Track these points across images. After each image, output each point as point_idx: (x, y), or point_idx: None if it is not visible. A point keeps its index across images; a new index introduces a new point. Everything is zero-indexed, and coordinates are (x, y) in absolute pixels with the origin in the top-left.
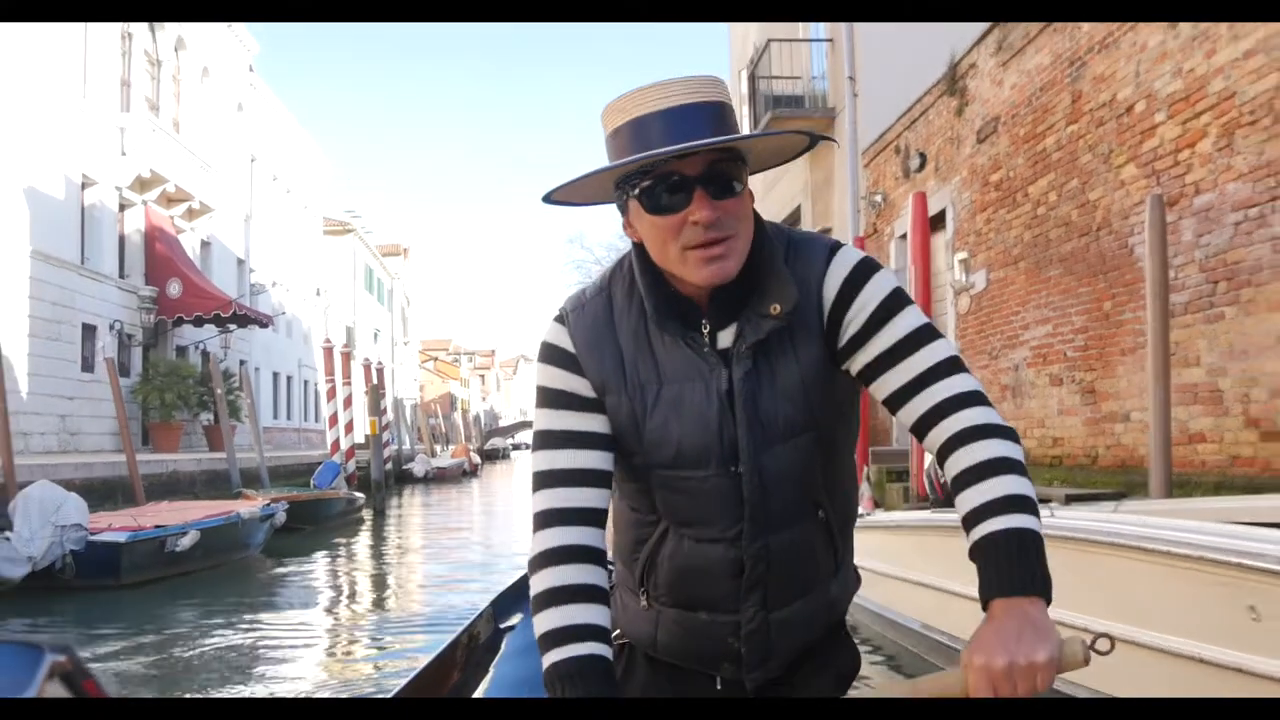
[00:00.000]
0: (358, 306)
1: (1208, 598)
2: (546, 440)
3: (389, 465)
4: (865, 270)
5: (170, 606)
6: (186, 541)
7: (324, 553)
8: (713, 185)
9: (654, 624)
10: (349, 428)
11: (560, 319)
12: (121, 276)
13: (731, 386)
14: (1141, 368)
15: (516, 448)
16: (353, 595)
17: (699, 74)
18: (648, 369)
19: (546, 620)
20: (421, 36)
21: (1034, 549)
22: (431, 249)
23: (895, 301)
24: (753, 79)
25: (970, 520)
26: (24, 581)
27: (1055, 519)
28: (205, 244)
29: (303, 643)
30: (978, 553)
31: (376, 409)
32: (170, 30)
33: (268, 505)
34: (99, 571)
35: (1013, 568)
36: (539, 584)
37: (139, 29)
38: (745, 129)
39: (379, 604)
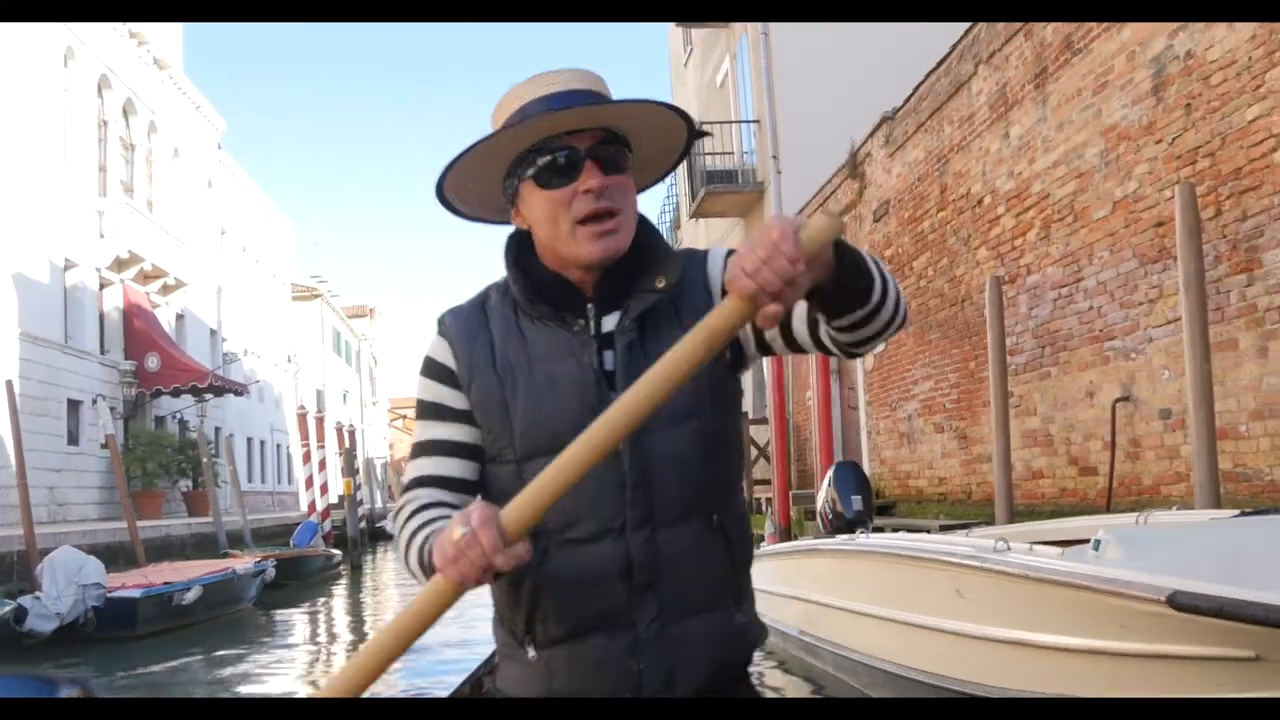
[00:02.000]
0: (327, 369)
1: (938, 584)
2: (417, 449)
3: (363, 524)
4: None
5: (180, 654)
6: (191, 596)
7: (308, 605)
8: (602, 159)
9: (546, 676)
10: (324, 489)
11: (440, 330)
12: (102, 352)
13: (609, 363)
14: (1027, 415)
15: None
16: (338, 643)
17: (583, 67)
18: (516, 351)
19: (410, 528)
20: (379, 96)
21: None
22: (398, 306)
23: None
24: (689, 155)
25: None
26: (53, 635)
27: (869, 539)
28: (180, 317)
29: (296, 686)
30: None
31: (351, 470)
32: (143, 115)
33: (259, 562)
34: (117, 624)
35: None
36: (399, 546)
37: (114, 117)
38: (684, 200)
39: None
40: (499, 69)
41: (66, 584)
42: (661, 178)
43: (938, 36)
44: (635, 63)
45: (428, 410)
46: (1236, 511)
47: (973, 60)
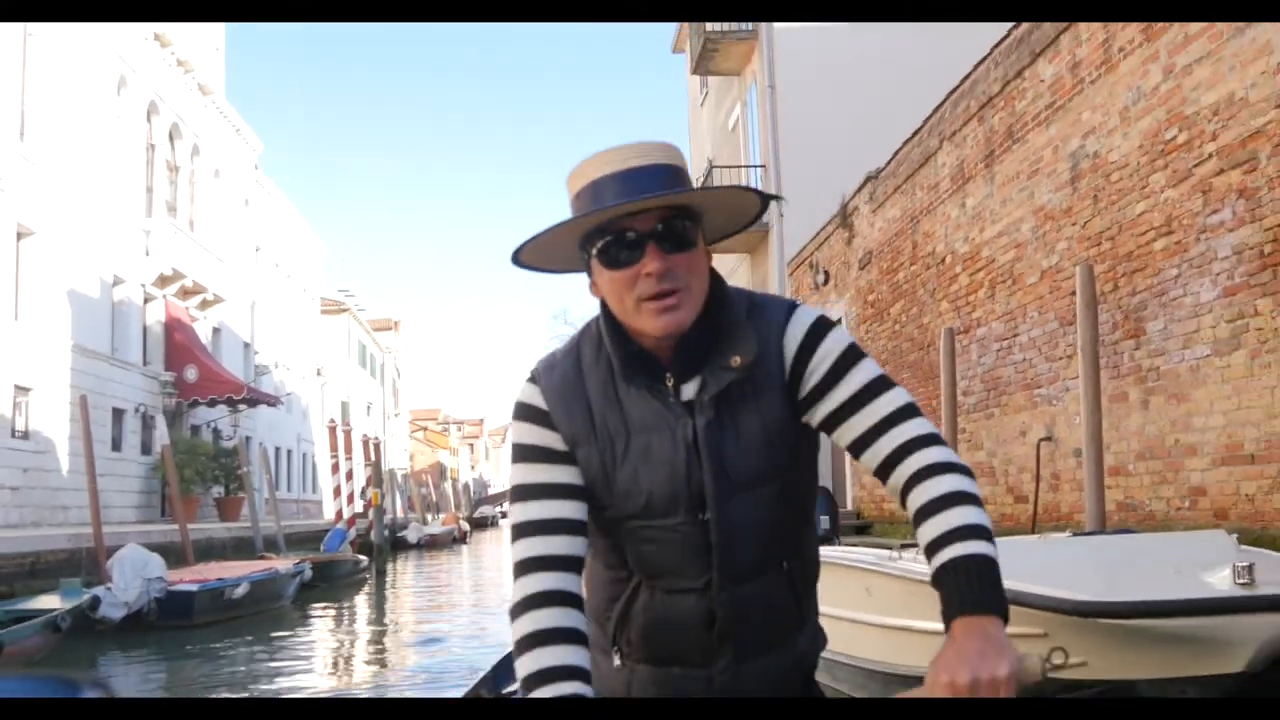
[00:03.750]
0: (352, 381)
1: (854, 584)
2: (523, 493)
3: (386, 532)
4: (823, 326)
5: (230, 642)
6: (240, 591)
7: (339, 605)
8: (665, 240)
9: (627, 684)
10: (350, 499)
11: (533, 379)
12: (144, 364)
13: (696, 435)
14: (974, 449)
15: (504, 515)
16: (365, 638)
17: (655, 140)
18: (616, 421)
19: (529, 662)
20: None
21: (991, 573)
22: (422, 319)
23: (853, 353)
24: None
25: (932, 548)
26: (121, 622)
27: (835, 550)
28: (216, 331)
29: (329, 671)
30: (940, 577)
31: (379, 481)
32: (187, 139)
33: (298, 564)
34: (177, 614)
35: (972, 590)
36: (520, 629)
37: (161, 140)
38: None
39: (389, 648)
40: (519, 80)
41: (134, 577)
42: (732, 235)
43: (924, 101)
44: (656, 98)
45: (530, 453)
46: (1090, 531)
47: (938, 136)
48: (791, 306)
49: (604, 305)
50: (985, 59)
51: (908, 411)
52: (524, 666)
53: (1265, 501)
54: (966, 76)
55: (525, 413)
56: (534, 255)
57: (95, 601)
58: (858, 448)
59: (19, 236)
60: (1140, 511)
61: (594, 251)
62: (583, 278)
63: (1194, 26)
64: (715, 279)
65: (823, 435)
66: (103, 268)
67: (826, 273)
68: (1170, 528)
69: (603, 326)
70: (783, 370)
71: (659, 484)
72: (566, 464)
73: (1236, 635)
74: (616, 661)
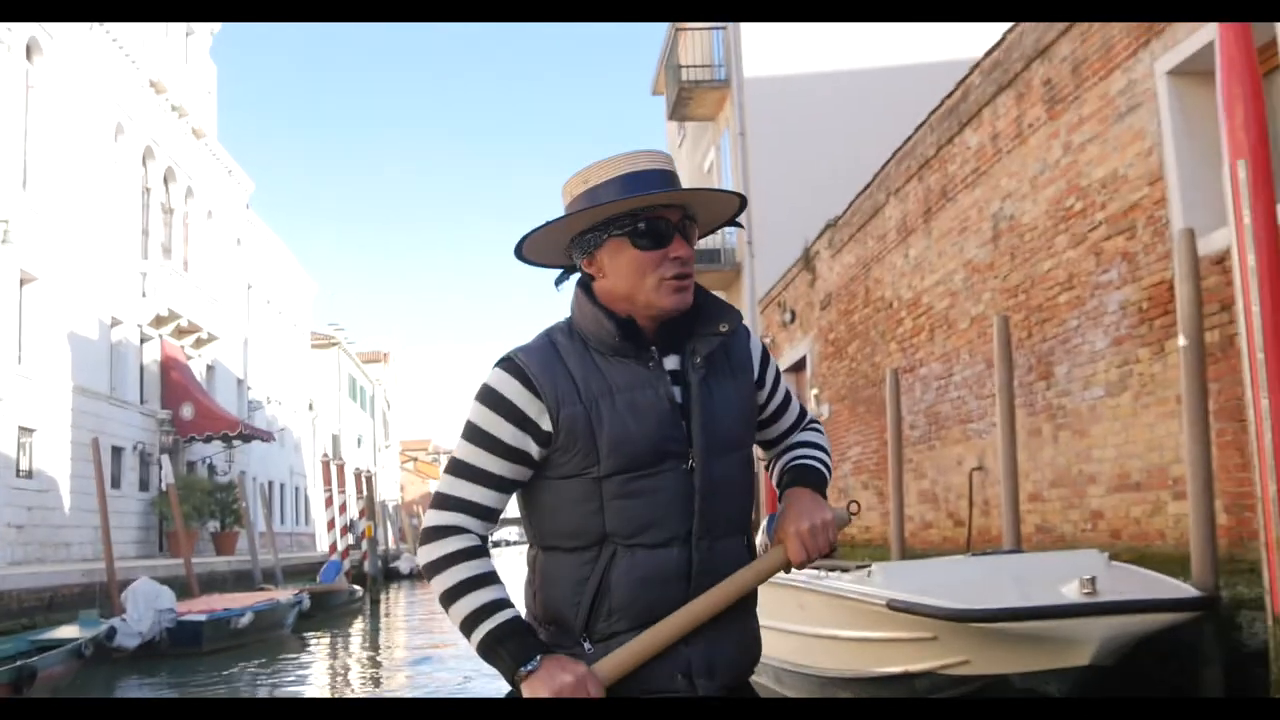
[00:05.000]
0: (343, 414)
1: (789, 601)
2: (457, 468)
3: (379, 563)
4: (760, 343)
5: (236, 668)
6: (244, 621)
7: (335, 633)
8: (685, 232)
9: None
10: (344, 531)
11: (507, 363)
12: (142, 403)
13: (688, 393)
14: (919, 477)
15: (496, 544)
16: (362, 665)
17: (663, 149)
18: (599, 383)
19: (466, 605)
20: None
21: (817, 466)
22: (411, 350)
23: (778, 372)
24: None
25: (785, 464)
26: (135, 650)
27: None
28: (210, 368)
29: (329, 693)
30: (786, 473)
31: (372, 514)
32: (181, 182)
33: (297, 594)
34: (186, 643)
35: (805, 475)
36: (445, 581)
37: (156, 184)
38: None
39: (384, 671)
40: (503, 122)
41: (146, 609)
42: (705, 235)
43: (886, 151)
44: (636, 140)
45: (480, 438)
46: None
47: (885, 191)
48: (738, 312)
49: (584, 286)
50: (923, 124)
51: (805, 417)
52: (462, 609)
53: (1148, 523)
54: (908, 139)
55: (490, 398)
56: (533, 247)
57: (112, 631)
58: (771, 442)
59: (22, 283)
60: (1053, 533)
61: (617, 233)
62: (563, 306)
63: (1087, 109)
64: None
65: None
66: (101, 310)
67: (793, 311)
68: (1076, 547)
69: (586, 302)
70: (749, 359)
71: (648, 434)
72: (511, 460)
73: (1080, 635)
74: (588, 647)
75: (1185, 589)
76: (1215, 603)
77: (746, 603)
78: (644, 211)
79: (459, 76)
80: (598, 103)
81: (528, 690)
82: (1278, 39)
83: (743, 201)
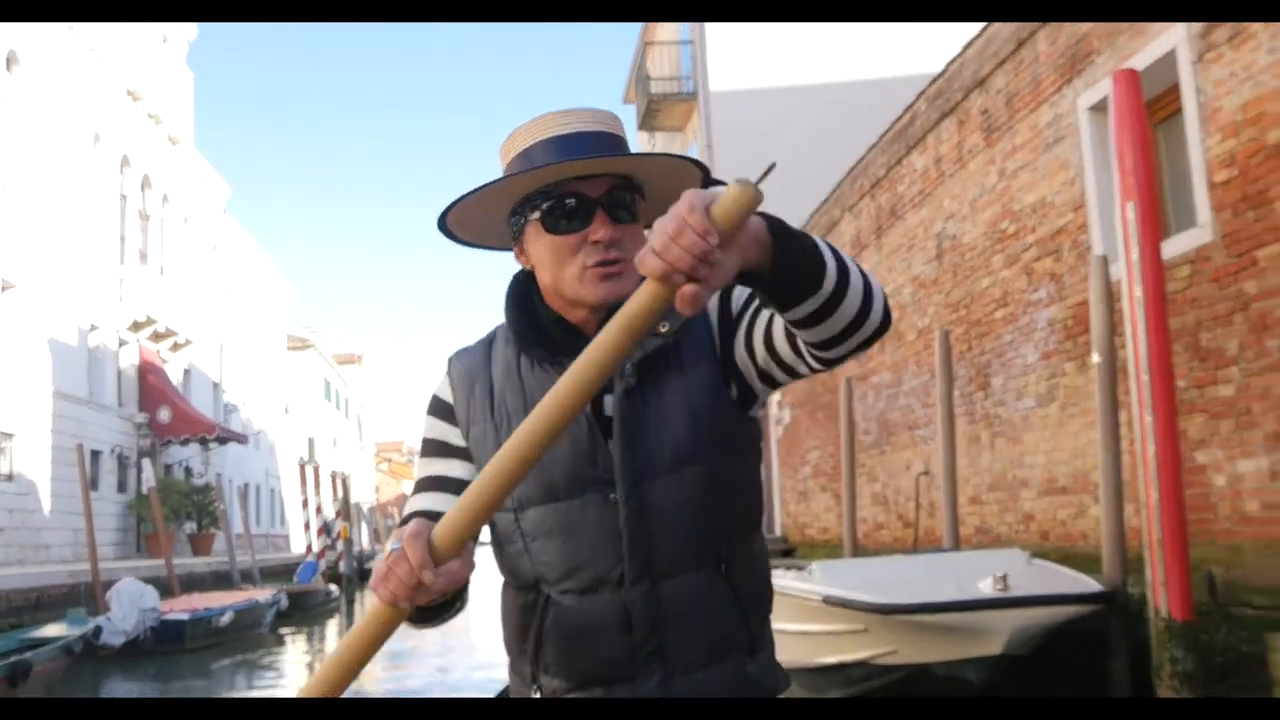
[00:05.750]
0: (318, 416)
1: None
2: (419, 485)
3: (355, 564)
4: (731, 284)
5: (217, 666)
6: (225, 620)
7: (312, 632)
8: (612, 208)
9: None
10: (320, 532)
11: (447, 368)
12: (120, 406)
13: (608, 408)
14: (873, 480)
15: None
16: None
17: (600, 106)
18: (515, 399)
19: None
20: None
21: (809, 236)
22: (385, 351)
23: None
24: None
25: None
26: (121, 648)
27: None
28: (187, 372)
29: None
30: None
31: (348, 516)
32: (158, 188)
33: (275, 594)
34: (170, 641)
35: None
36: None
37: (133, 191)
38: None
39: (363, 673)
40: (472, 127)
41: (131, 608)
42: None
43: (845, 163)
44: None
45: (431, 447)
46: (931, 550)
47: (840, 207)
48: None
49: (519, 278)
50: (874, 145)
51: None
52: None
53: (1073, 525)
54: (861, 159)
55: (432, 405)
56: (461, 222)
57: (98, 630)
58: (772, 351)
59: (2, 289)
60: (991, 534)
61: (533, 215)
62: None
63: (1019, 138)
64: None
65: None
66: (80, 316)
67: None
68: (1010, 547)
69: (510, 298)
70: (711, 338)
71: (560, 460)
72: (460, 459)
73: (992, 626)
74: (536, 695)
75: (1090, 584)
76: (1115, 597)
77: (737, 635)
78: (555, 188)
79: (435, 75)
80: (571, 102)
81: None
82: (1178, 85)
83: (705, 171)
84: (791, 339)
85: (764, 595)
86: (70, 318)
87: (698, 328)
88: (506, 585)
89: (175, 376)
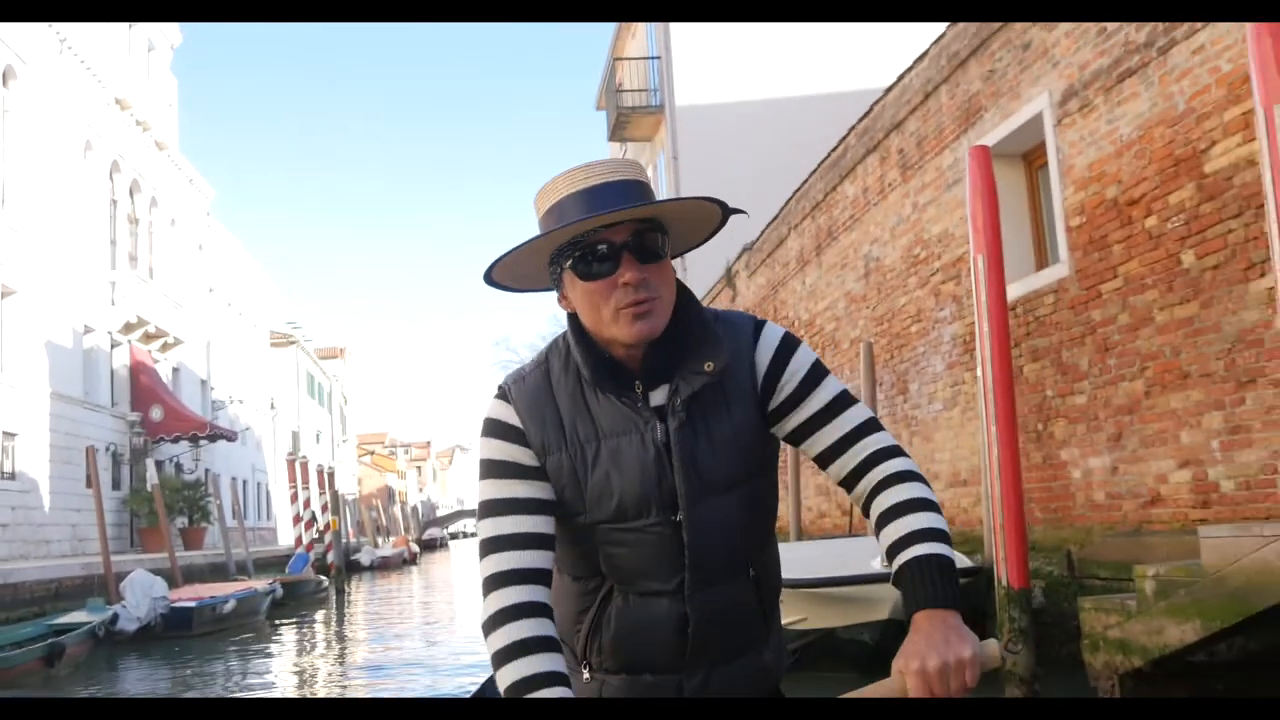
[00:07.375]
0: (302, 411)
1: None
2: (491, 508)
3: (343, 555)
4: (792, 342)
5: (223, 649)
6: (228, 607)
7: (304, 619)
8: (638, 251)
9: (598, 695)
10: (309, 525)
11: (502, 394)
12: (113, 406)
13: (668, 437)
14: (816, 473)
15: (454, 537)
16: (328, 646)
17: (620, 156)
18: (587, 428)
19: (510, 673)
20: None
21: (949, 571)
22: (367, 344)
23: (820, 369)
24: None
25: (894, 549)
26: (134, 634)
27: None
28: (176, 371)
29: (306, 667)
30: (903, 575)
31: (336, 509)
32: (146, 193)
33: (271, 584)
34: (178, 627)
35: (934, 586)
36: (496, 642)
37: (122, 196)
38: None
39: (353, 649)
40: (454, 130)
41: (143, 597)
42: (696, 247)
43: (802, 173)
44: (582, 153)
45: (501, 469)
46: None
47: (788, 225)
48: (759, 322)
49: (573, 318)
50: (814, 172)
51: (871, 425)
52: (506, 677)
53: (973, 512)
54: (805, 181)
55: (494, 428)
56: (505, 274)
57: (115, 617)
58: (826, 458)
59: (2, 296)
60: None
61: (567, 265)
62: (520, 303)
63: (928, 177)
64: (682, 290)
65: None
66: (75, 319)
67: None
68: None
69: (572, 338)
70: (754, 381)
71: (630, 486)
72: (537, 479)
73: (879, 596)
74: (586, 675)
75: (964, 560)
76: (980, 571)
77: (758, 630)
78: (584, 237)
79: (412, 75)
80: (546, 107)
81: None
82: (1045, 144)
83: (723, 206)
84: (848, 482)
85: (777, 588)
86: (66, 321)
87: (741, 364)
88: (563, 573)
89: (165, 375)
